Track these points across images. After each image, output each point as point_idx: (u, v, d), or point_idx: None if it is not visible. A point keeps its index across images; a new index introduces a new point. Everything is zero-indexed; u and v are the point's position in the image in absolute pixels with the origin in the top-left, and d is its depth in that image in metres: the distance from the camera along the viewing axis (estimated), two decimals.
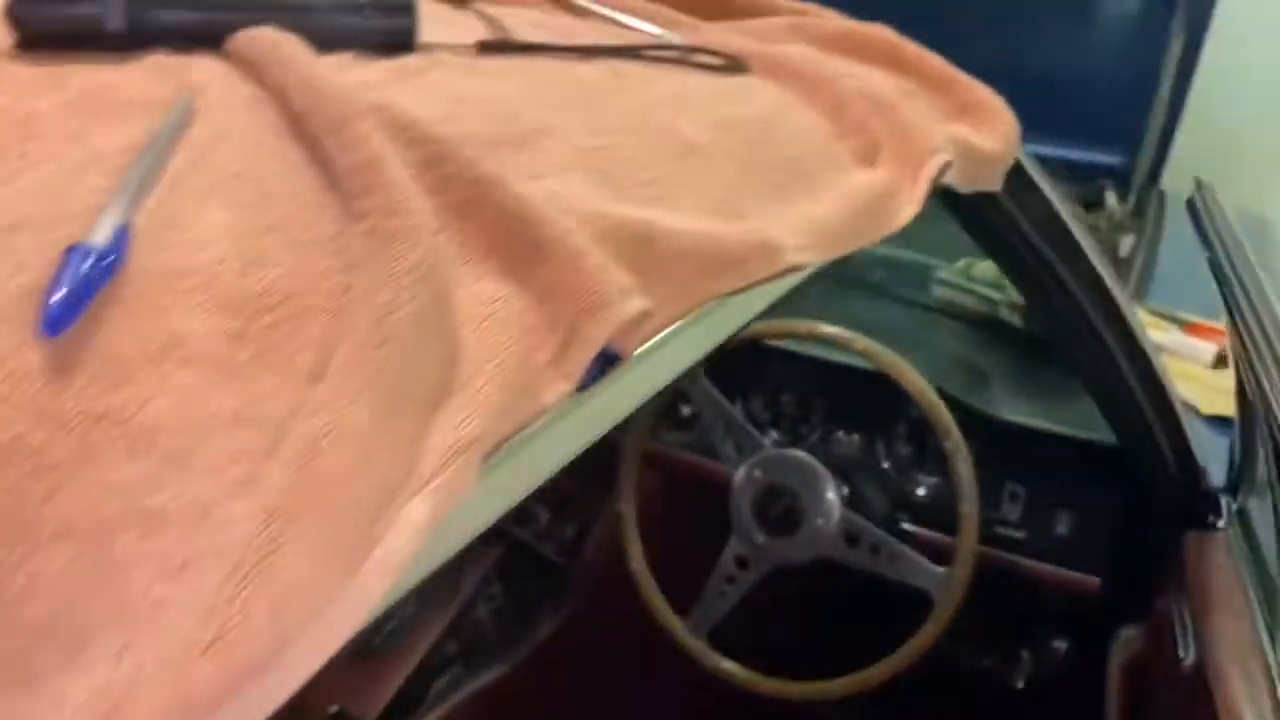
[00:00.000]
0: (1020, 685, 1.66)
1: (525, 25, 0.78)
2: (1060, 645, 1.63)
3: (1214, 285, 2.14)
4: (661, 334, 0.50)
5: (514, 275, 0.44)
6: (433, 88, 0.60)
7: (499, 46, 0.70)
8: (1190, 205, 1.06)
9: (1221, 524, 1.25)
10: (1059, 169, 2.59)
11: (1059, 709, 1.65)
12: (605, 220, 0.49)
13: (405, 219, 0.41)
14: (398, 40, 0.65)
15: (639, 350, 0.47)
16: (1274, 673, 0.96)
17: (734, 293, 0.54)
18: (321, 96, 0.47)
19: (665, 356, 0.51)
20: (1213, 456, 1.34)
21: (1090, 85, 2.70)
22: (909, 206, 0.69)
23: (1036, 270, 1.05)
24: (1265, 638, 1.02)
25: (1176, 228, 2.65)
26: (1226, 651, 1.03)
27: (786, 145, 0.67)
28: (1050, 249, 1.02)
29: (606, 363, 0.46)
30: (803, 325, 1.51)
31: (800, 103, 0.73)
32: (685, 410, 1.69)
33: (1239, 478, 1.25)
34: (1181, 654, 1.09)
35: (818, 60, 0.78)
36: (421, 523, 0.35)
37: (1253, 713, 0.94)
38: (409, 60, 0.64)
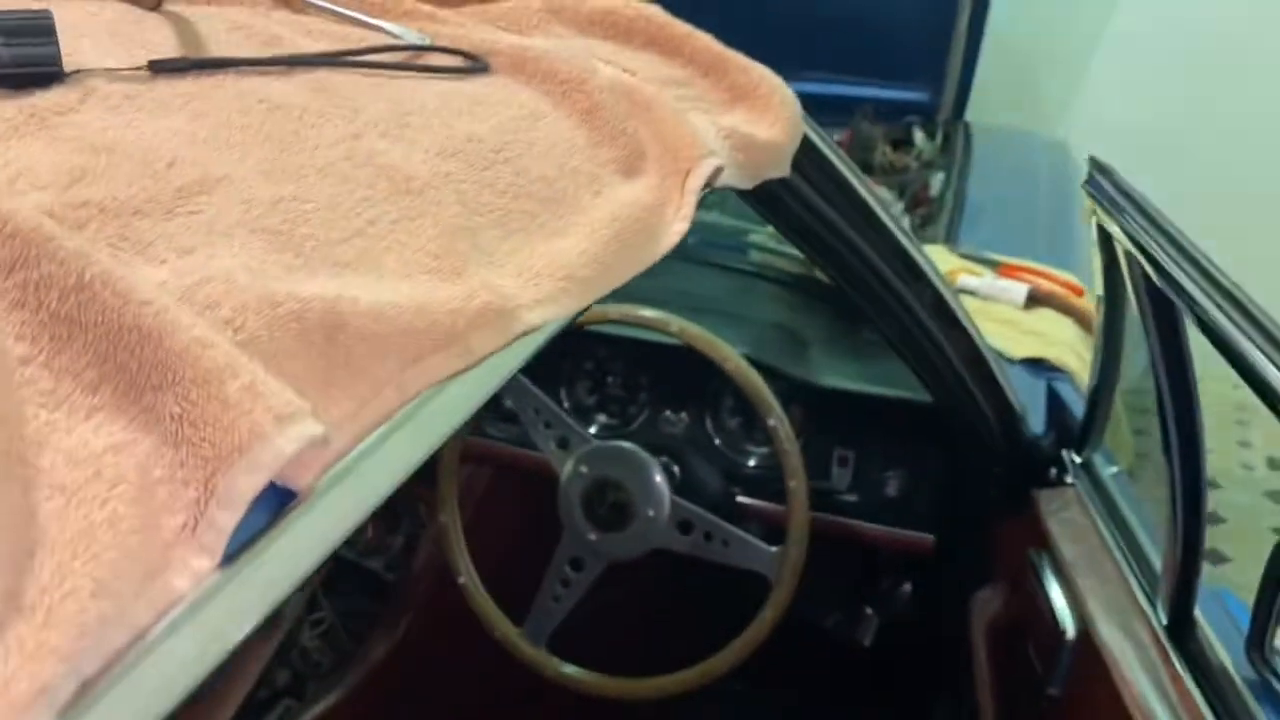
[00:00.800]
0: (868, 643, 1.66)
1: (222, 30, 0.66)
2: (904, 601, 1.64)
3: (1015, 226, 2.15)
4: (362, 445, 0.40)
5: (134, 412, 0.34)
6: (72, 135, 0.48)
7: (175, 66, 0.58)
8: (1090, 184, 1.02)
9: (1069, 479, 1.25)
10: (867, 109, 2.59)
11: (909, 664, 1.66)
12: (274, 307, 0.39)
13: None
14: (35, 71, 0.52)
15: (328, 474, 0.38)
16: (1161, 637, 0.96)
17: (458, 373, 0.45)
18: None
19: (368, 474, 0.40)
20: (1027, 402, 1.34)
21: (890, 24, 2.70)
22: (678, 224, 0.61)
23: (829, 241, 0.99)
24: (1144, 600, 1.01)
25: (982, 161, 2.69)
26: (1111, 620, 1.02)
27: (532, 165, 0.57)
28: (842, 219, 0.96)
29: (282, 502, 0.36)
30: (617, 309, 1.44)
31: (550, 108, 0.63)
32: (509, 403, 1.60)
33: (1086, 432, 1.24)
34: (1059, 621, 1.08)
35: (571, 52, 0.68)
36: None
37: (1150, 682, 0.93)
38: (49, 96, 0.51)
